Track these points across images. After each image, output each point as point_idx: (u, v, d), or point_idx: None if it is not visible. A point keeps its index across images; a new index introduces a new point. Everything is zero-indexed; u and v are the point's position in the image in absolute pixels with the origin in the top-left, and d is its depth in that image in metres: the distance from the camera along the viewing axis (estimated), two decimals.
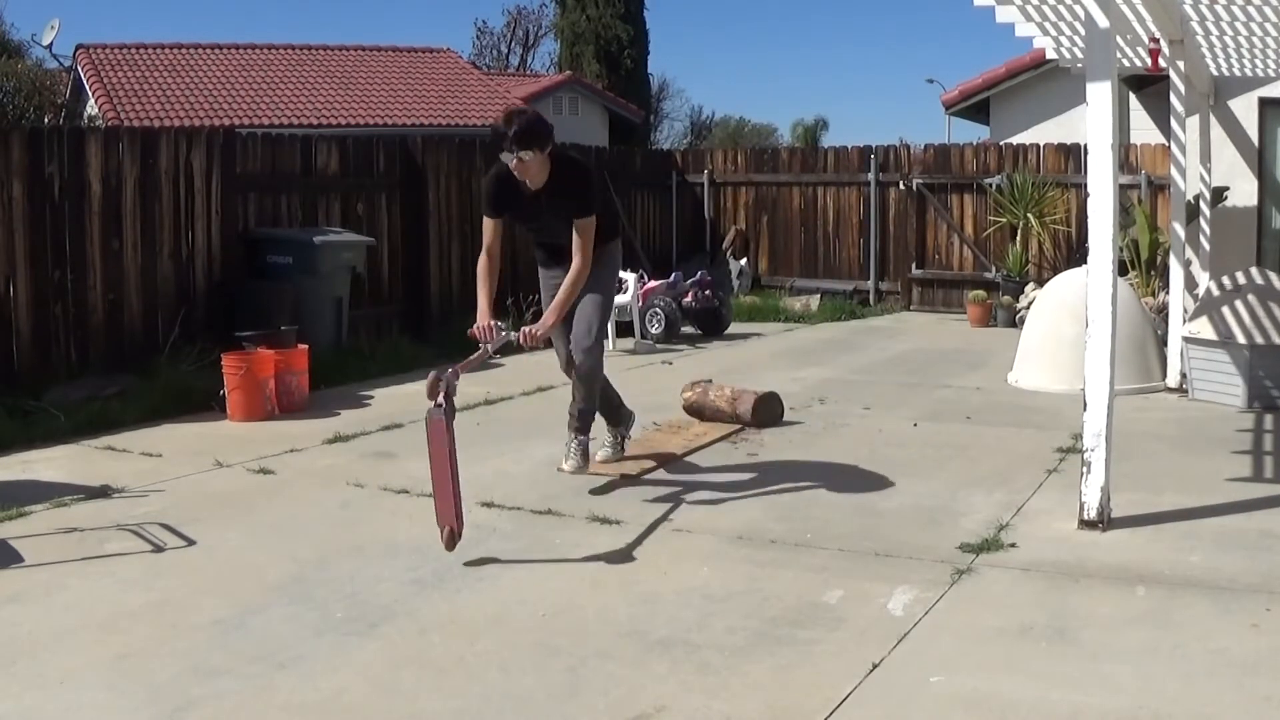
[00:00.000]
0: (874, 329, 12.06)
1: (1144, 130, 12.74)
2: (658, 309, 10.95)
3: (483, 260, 5.32)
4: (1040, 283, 11.36)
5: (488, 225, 5.37)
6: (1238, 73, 9.96)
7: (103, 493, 5.60)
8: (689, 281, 11.53)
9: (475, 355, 5.12)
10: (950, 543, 4.71)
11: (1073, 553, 4.55)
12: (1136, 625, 3.82)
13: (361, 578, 4.39)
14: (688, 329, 11.39)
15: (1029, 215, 12.47)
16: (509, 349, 5.65)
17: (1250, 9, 7.24)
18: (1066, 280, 8.62)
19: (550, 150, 5.16)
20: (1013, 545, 4.67)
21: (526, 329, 5.19)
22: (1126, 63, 9.26)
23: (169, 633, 3.84)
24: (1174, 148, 8.57)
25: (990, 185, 12.94)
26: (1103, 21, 4.89)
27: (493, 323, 5.15)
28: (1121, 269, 8.62)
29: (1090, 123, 4.87)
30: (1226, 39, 8.40)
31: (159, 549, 4.74)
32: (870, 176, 13.73)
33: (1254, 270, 8.07)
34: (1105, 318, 4.82)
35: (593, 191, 5.30)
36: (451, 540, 4.50)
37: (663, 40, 74.61)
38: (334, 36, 57.95)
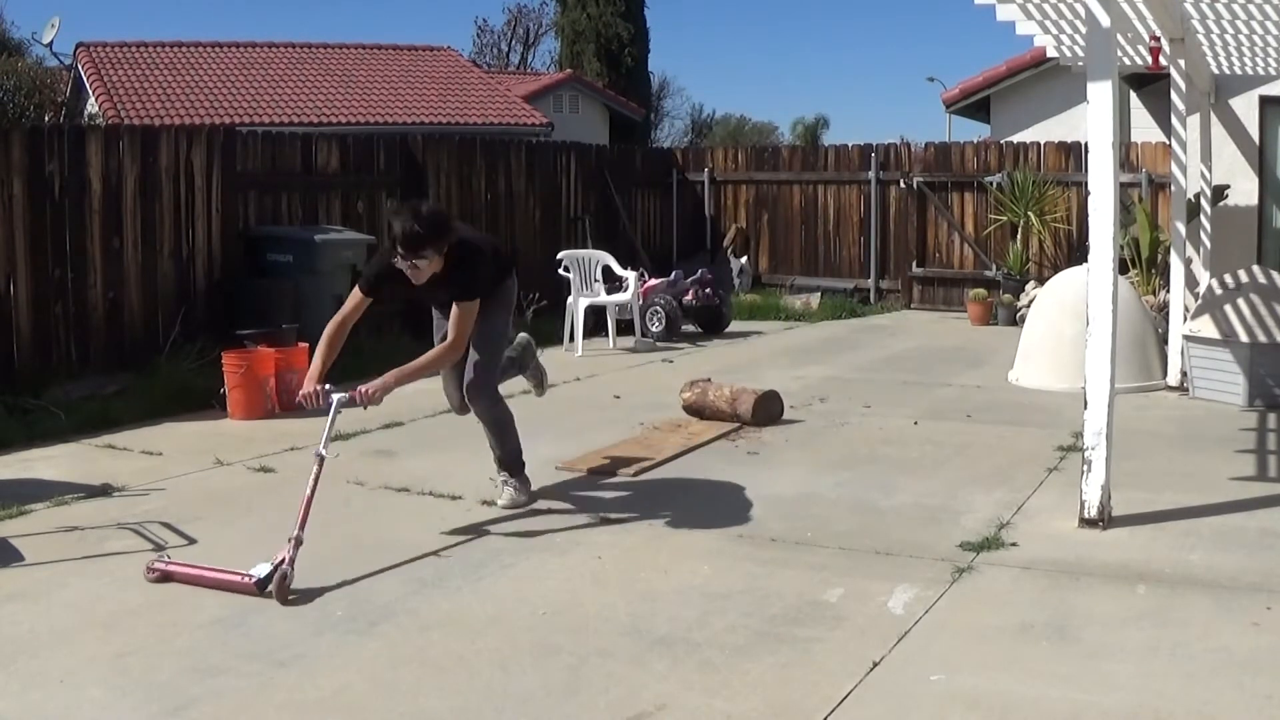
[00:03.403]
0: (874, 327, 12.05)
1: (1145, 128, 12.73)
2: (658, 307, 10.95)
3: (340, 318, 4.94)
4: (1041, 281, 11.35)
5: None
6: (1238, 71, 9.96)
7: (103, 491, 5.60)
8: (689, 280, 11.53)
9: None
10: (950, 541, 4.71)
11: (1073, 551, 4.55)
12: (1137, 624, 3.82)
13: (361, 576, 4.38)
14: (688, 327, 11.38)
15: (1029, 213, 12.45)
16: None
17: (1251, 8, 7.24)
18: (1067, 278, 8.61)
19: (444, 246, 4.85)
20: (1013, 544, 4.67)
21: (362, 388, 4.67)
22: (1127, 61, 9.24)
23: (169, 631, 3.84)
24: (1175, 146, 8.57)
25: (991, 183, 12.92)
26: (1104, 20, 4.88)
27: (319, 387, 4.66)
28: (1122, 267, 8.63)
29: (1091, 121, 4.87)
30: (1227, 37, 8.40)
31: (159, 548, 4.73)
32: (871, 175, 13.71)
33: (1255, 268, 8.06)
34: (1106, 316, 4.82)
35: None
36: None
37: (663, 38, 74.67)
38: (334, 35, 58.06)
